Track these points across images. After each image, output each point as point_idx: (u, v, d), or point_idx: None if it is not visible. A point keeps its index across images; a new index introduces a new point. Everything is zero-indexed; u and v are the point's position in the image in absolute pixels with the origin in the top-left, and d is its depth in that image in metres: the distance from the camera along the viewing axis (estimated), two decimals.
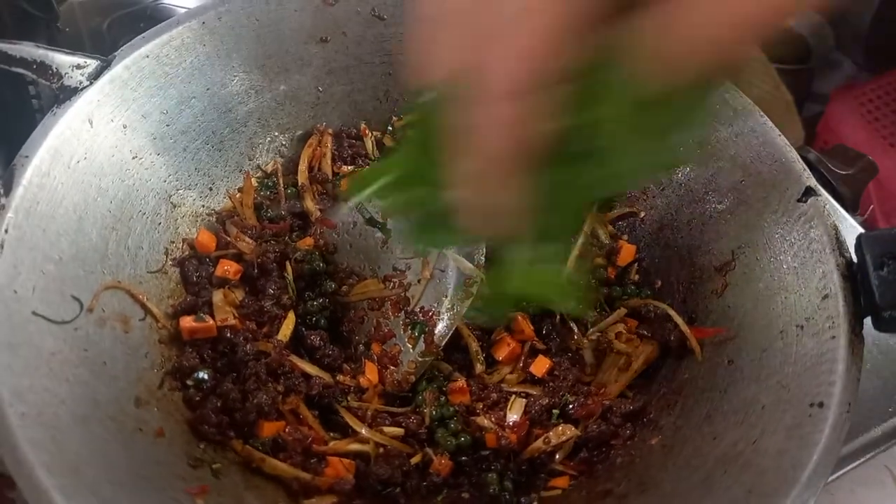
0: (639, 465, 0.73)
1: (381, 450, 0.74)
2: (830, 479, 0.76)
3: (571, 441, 0.76)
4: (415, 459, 0.74)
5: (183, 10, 0.88)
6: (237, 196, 0.88)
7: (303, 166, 0.92)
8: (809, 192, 0.76)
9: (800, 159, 0.79)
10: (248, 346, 0.76)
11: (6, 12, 0.98)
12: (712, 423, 0.72)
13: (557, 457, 0.75)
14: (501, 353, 0.81)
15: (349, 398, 0.77)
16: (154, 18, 0.85)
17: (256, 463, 0.72)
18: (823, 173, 1.04)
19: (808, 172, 0.78)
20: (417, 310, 0.81)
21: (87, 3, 1.11)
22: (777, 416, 0.67)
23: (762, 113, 0.83)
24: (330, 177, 0.91)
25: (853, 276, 0.71)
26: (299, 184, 0.90)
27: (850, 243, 0.71)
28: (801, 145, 1.13)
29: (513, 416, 0.76)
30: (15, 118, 0.89)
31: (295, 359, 0.77)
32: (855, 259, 0.71)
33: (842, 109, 1.49)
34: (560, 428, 0.75)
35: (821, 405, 0.65)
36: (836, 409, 0.64)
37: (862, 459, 0.84)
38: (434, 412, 0.76)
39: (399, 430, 0.75)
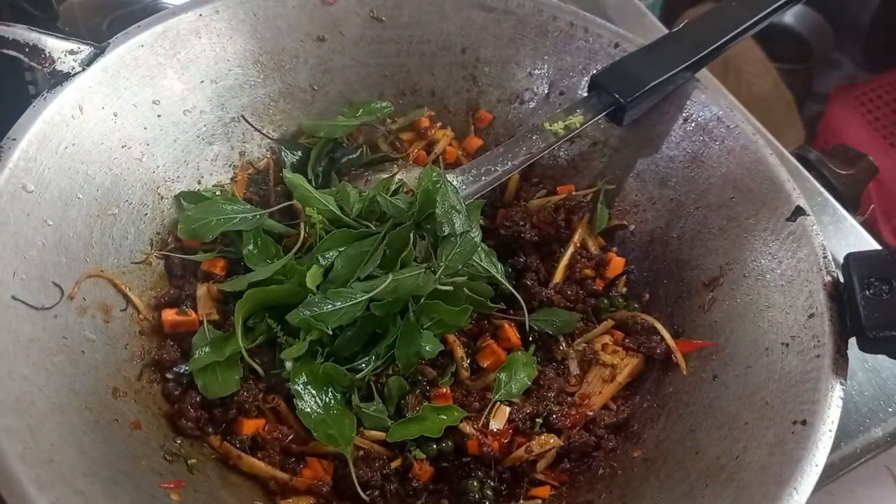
0: (621, 477, 0.73)
1: (361, 452, 0.73)
2: (831, 479, 0.76)
3: (554, 451, 0.75)
4: (395, 463, 0.74)
5: None
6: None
7: None
8: (799, 211, 0.77)
9: (790, 178, 0.79)
10: None
11: (6, 11, 0.98)
12: (695, 438, 0.71)
13: (539, 466, 0.75)
14: (486, 361, 0.81)
15: None
16: None
17: (234, 460, 0.71)
18: (824, 173, 1.05)
19: (798, 192, 0.78)
20: None
21: (87, 3, 1.10)
22: (760, 433, 0.67)
23: (755, 131, 0.83)
24: None
25: (839, 295, 0.71)
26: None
27: (850, 243, 0.71)
28: (802, 145, 1.14)
29: (496, 424, 0.75)
30: (10, 104, 0.87)
31: None
32: (842, 279, 0.71)
33: (842, 109, 1.51)
34: (543, 437, 0.74)
35: (804, 423, 0.65)
36: (819, 427, 0.64)
37: (862, 459, 0.84)
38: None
39: (380, 434, 0.74)
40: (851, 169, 1.05)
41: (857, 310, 0.68)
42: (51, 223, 0.72)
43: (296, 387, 0.71)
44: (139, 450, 0.66)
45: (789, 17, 1.93)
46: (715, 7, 0.90)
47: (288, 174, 0.83)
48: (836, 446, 0.64)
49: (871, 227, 1.05)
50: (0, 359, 0.61)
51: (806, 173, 1.06)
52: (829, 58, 1.94)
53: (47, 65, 0.77)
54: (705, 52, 0.85)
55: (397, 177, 0.83)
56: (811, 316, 0.71)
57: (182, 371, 0.74)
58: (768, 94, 1.59)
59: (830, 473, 0.83)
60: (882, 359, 0.91)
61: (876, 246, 1.01)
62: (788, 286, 0.75)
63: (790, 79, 1.72)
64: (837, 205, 1.04)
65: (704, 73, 0.88)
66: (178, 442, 0.70)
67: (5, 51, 0.76)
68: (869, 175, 1.06)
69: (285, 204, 0.85)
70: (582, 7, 0.93)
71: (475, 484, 0.73)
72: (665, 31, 1.25)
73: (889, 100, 1.53)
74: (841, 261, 0.71)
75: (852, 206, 1.04)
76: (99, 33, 1.08)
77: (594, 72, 0.89)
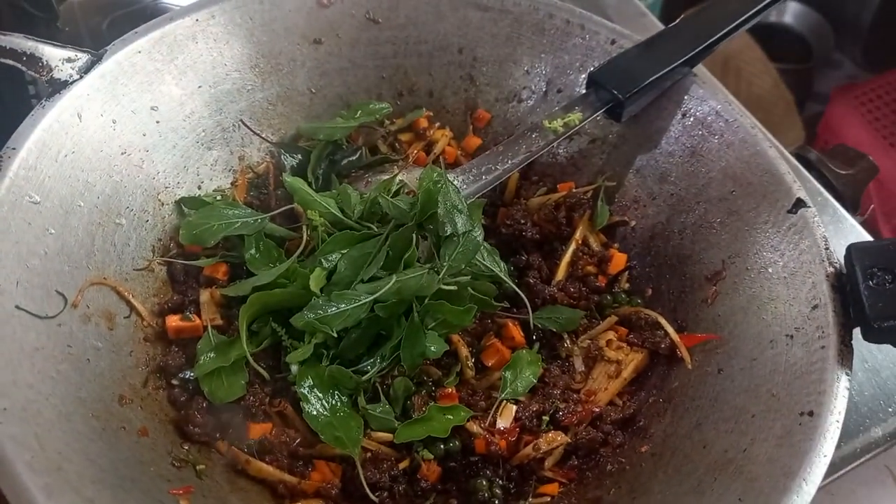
0: (629, 472, 0.73)
1: (369, 454, 0.73)
2: (831, 479, 0.76)
3: (561, 448, 0.75)
4: (403, 464, 0.73)
5: None
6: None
7: None
8: (800, 203, 0.77)
9: (790, 171, 0.80)
10: None
11: (6, 12, 0.97)
12: (702, 431, 0.71)
13: (547, 464, 0.75)
14: (491, 360, 0.81)
15: None
16: (154, 18, 0.84)
17: (242, 465, 0.71)
18: (824, 173, 1.05)
19: (798, 184, 0.78)
20: None
21: (87, 3, 1.10)
22: (767, 425, 0.67)
23: (753, 124, 0.83)
24: None
25: (842, 286, 0.71)
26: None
27: (850, 243, 0.71)
28: (802, 145, 1.14)
29: (503, 422, 0.75)
30: (12, 113, 0.87)
31: None
32: (844, 270, 0.72)
33: (842, 109, 1.51)
34: (550, 434, 0.74)
35: (811, 414, 0.65)
36: (826, 417, 0.64)
37: (862, 459, 0.85)
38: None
39: (387, 436, 0.74)
40: (851, 169, 1.06)
41: (860, 300, 0.68)
42: (52, 231, 0.71)
43: (302, 390, 0.71)
44: (147, 456, 0.66)
45: (789, 17, 1.93)
46: (711, 2, 0.90)
47: (288, 178, 0.83)
48: (836, 446, 0.64)
49: (871, 227, 1.06)
50: (5, 368, 0.61)
51: (806, 173, 1.07)
52: (829, 58, 1.95)
53: (45, 73, 0.77)
54: (702, 46, 0.85)
55: (398, 178, 0.83)
56: (815, 307, 0.71)
57: (187, 377, 0.74)
58: (768, 94, 1.59)
59: (830, 473, 0.83)
60: (882, 358, 0.92)
61: None
62: (791, 278, 0.75)
63: (790, 79, 1.72)
64: (837, 205, 1.04)
65: (702, 69, 0.88)
66: (186, 448, 0.70)
67: (3, 60, 0.76)
68: (869, 175, 1.06)
69: (286, 208, 0.85)
70: (582, 7, 0.93)
71: (484, 483, 0.73)
72: None
73: (889, 100, 1.53)
74: (842, 257, 0.71)
75: (852, 206, 1.05)
76: (99, 34, 1.08)
77: (592, 69, 0.89)
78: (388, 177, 0.86)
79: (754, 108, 0.85)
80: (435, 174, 0.77)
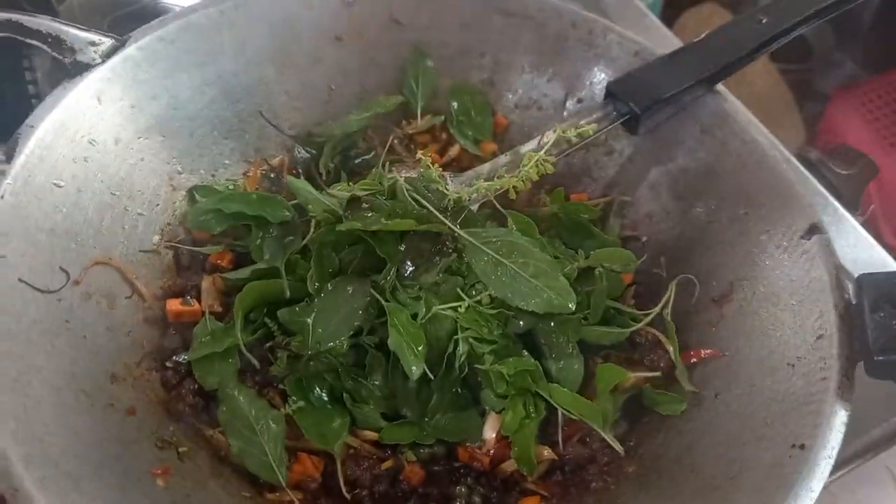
0: (612, 491, 0.71)
1: (352, 451, 0.73)
2: (831, 479, 0.74)
3: (547, 462, 0.74)
4: (386, 465, 0.73)
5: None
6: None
7: None
8: (814, 229, 0.75)
9: (808, 194, 0.78)
10: None
11: None
12: (692, 455, 0.70)
13: (531, 476, 0.74)
14: None
15: None
16: (154, 18, 0.85)
17: (225, 450, 0.71)
18: (824, 173, 1.04)
19: (813, 208, 0.76)
20: None
21: (87, 3, 1.11)
22: (758, 454, 0.65)
23: (772, 145, 0.81)
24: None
25: (850, 318, 0.69)
26: None
27: (850, 243, 0.69)
28: (802, 145, 1.12)
29: (488, 432, 0.74)
30: (8, 89, 0.89)
31: None
32: (854, 301, 0.69)
33: (842, 109, 1.48)
34: (537, 448, 0.73)
35: (802, 447, 0.63)
36: (817, 452, 0.63)
37: (862, 460, 0.83)
38: None
39: (374, 434, 0.74)
40: (851, 169, 1.04)
41: (864, 332, 0.66)
42: (63, 210, 0.73)
43: (288, 382, 0.72)
44: (132, 435, 0.67)
45: None
46: (736, 20, 0.88)
47: (290, 178, 0.83)
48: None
49: (871, 227, 1.03)
50: (1, 338, 0.62)
51: (806, 173, 1.05)
52: (829, 58, 1.90)
53: (68, 55, 0.79)
54: (724, 64, 0.84)
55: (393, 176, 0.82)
56: (819, 337, 0.69)
57: (181, 360, 0.75)
58: (768, 93, 1.55)
59: (830, 473, 0.81)
60: None
61: (876, 246, 1.00)
62: (799, 306, 0.73)
63: (791, 78, 1.68)
64: (837, 205, 1.04)
65: (722, 86, 0.87)
66: (171, 429, 0.71)
67: (29, 40, 0.78)
68: (869, 175, 1.05)
69: (296, 201, 0.85)
70: (582, 7, 0.92)
71: (464, 490, 0.72)
72: (666, 31, 1.24)
73: (889, 100, 1.50)
74: (846, 266, 0.69)
75: (852, 206, 1.03)
76: None
77: (611, 80, 0.88)
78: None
79: (754, 107, 0.83)
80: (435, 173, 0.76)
